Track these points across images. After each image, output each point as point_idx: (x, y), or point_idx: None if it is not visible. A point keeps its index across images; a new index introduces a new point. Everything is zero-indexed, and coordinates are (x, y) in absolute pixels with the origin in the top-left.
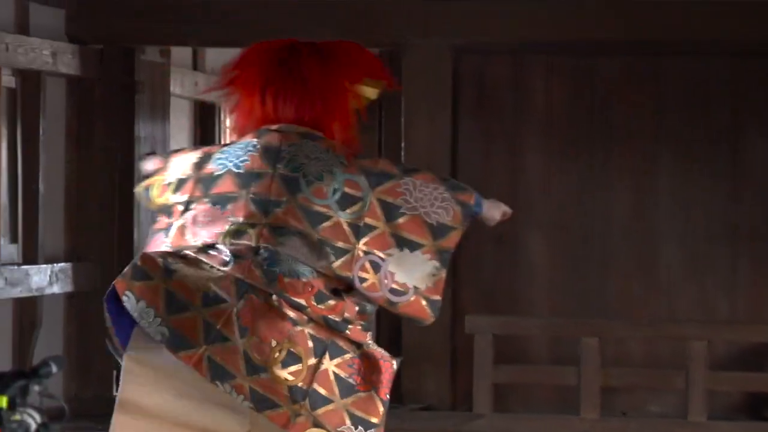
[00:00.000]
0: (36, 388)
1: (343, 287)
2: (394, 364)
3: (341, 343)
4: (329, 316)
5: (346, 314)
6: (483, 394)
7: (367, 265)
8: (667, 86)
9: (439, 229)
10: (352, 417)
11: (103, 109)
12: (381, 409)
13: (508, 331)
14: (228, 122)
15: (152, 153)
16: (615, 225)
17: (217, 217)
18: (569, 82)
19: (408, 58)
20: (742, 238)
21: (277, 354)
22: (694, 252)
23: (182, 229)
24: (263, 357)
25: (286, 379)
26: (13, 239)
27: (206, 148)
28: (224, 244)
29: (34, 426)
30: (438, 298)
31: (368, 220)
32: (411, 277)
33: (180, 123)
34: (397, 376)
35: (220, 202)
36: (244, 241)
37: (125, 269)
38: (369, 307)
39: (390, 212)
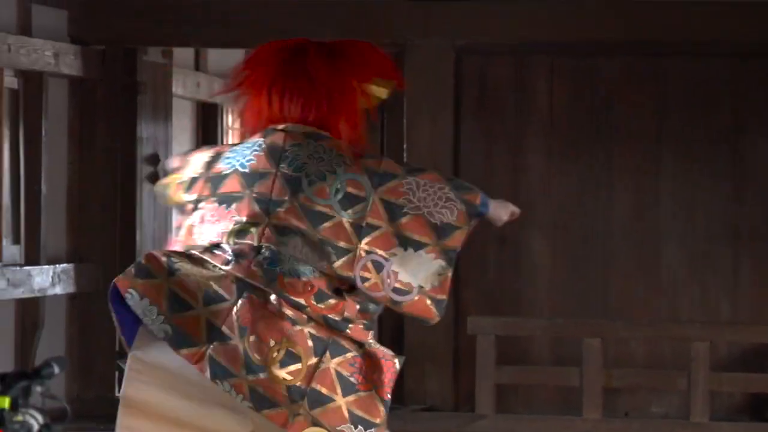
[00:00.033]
0: (38, 389)
1: (345, 287)
2: (397, 363)
3: (343, 342)
4: (329, 316)
5: (347, 313)
6: (485, 394)
7: (369, 265)
8: (667, 87)
9: (443, 228)
10: (352, 416)
11: (105, 110)
12: (381, 408)
13: (510, 332)
14: (230, 122)
15: (154, 154)
16: (616, 225)
17: (223, 216)
18: (570, 83)
19: (409, 58)
20: (743, 239)
21: (275, 354)
22: (696, 252)
23: (191, 228)
24: (262, 356)
25: (285, 379)
26: (16, 240)
27: (218, 147)
28: (228, 243)
29: (36, 427)
30: (444, 297)
31: (371, 220)
32: (415, 277)
33: (182, 124)
34: (400, 377)
35: (226, 201)
36: (246, 241)
37: (128, 268)
38: (372, 307)
39: (393, 212)
